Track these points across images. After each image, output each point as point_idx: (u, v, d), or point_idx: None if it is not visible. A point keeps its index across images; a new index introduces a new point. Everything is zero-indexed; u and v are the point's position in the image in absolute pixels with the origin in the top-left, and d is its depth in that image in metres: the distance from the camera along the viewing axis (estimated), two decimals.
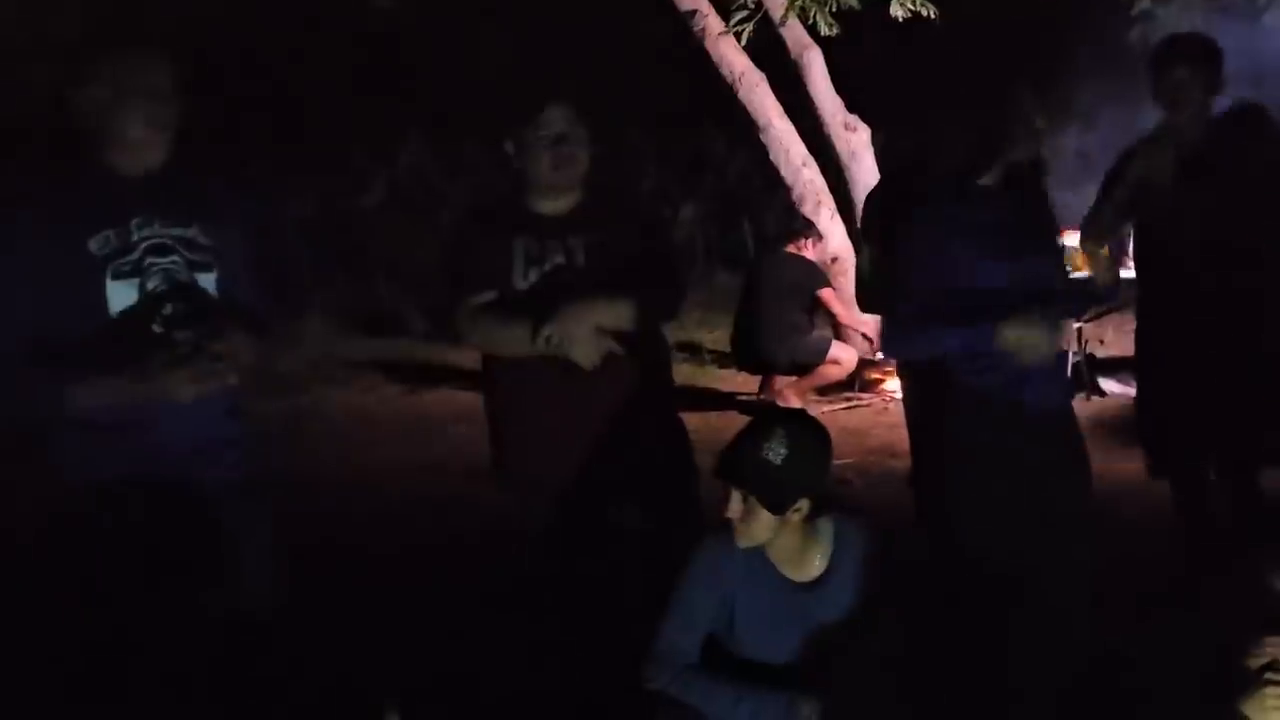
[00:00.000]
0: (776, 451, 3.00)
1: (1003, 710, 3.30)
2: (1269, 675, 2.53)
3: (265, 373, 3.10)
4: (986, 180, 3.42)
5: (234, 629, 2.99)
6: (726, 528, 3.10)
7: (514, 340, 3.40)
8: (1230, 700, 2.56)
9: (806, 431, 3.09)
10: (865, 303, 4.47)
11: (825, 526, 3.13)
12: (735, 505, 3.03)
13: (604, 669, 3.38)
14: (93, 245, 2.91)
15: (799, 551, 3.12)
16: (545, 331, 3.33)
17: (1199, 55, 4.19)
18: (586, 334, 3.35)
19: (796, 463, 3.01)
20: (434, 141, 15.17)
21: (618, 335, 3.41)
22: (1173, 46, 4.27)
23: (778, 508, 3.01)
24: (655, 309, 3.51)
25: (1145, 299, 4.38)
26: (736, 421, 8.13)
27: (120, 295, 2.93)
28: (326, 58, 13.96)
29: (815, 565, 3.13)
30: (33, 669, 3.64)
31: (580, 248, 3.43)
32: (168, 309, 2.94)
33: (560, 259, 3.43)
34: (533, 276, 3.42)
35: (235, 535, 3.04)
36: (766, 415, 3.21)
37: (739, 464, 3.03)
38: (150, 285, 2.95)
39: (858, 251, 8.30)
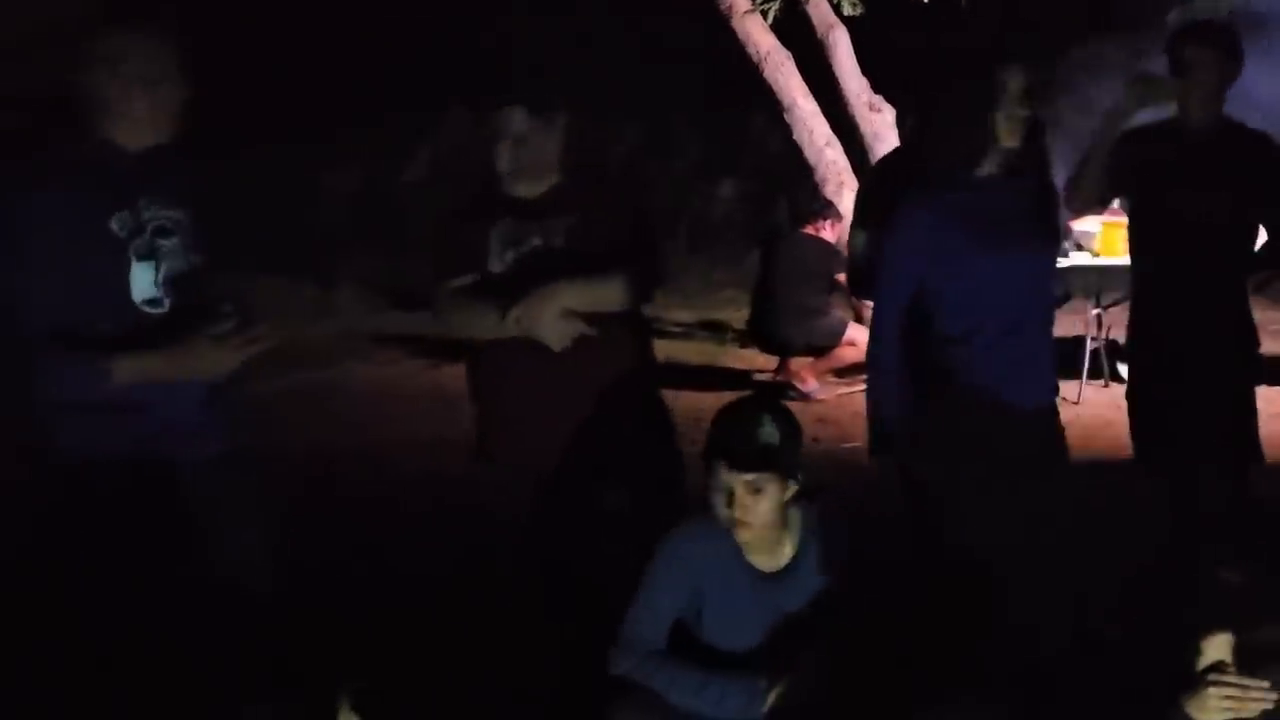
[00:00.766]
0: (772, 433, 3.04)
1: (971, 697, 3.30)
2: (1212, 676, 2.51)
3: (293, 344, 3.13)
4: (988, 169, 3.37)
5: (227, 599, 3.02)
6: (695, 517, 3.13)
7: (485, 323, 3.42)
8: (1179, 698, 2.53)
9: (783, 409, 3.15)
10: (857, 286, 4.46)
11: (794, 515, 3.14)
12: (743, 495, 3.02)
13: (584, 650, 3.36)
14: (114, 225, 2.94)
15: (771, 541, 3.13)
16: (513, 313, 3.34)
17: (1215, 40, 4.12)
18: (553, 315, 3.36)
19: (790, 438, 3.07)
20: (476, 116, 15.26)
21: (595, 317, 3.40)
22: (1190, 30, 4.23)
23: (794, 475, 3.06)
24: (630, 290, 3.49)
25: (1139, 287, 4.32)
26: None
27: (140, 276, 2.97)
28: (370, 30, 14.02)
29: (784, 554, 3.15)
30: (32, 642, 3.70)
31: (558, 230, 3.44)
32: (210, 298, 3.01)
33: (537, 241, 3.44)
34: (509, 259, 3.44)
35: (231, 507, 3.09)
36: (746, 404, 3.23)
37: (750, 454, 3.02)
38: (164, 267, 2.99)
39: None
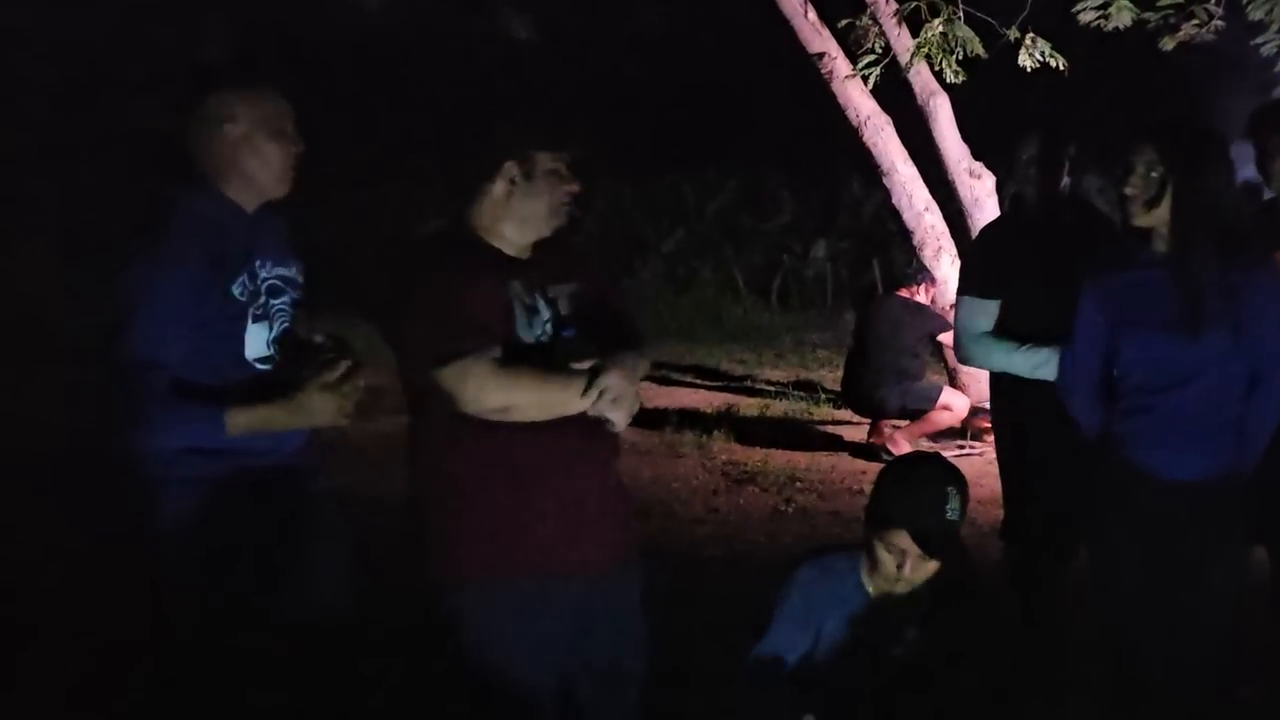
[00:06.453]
0: (955, 509, 3.18)
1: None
2: None
3: (373, 393, 3.20)
4: (1159, 246, 3.27)
5: (310, 629, 3.11)
6: (838, 556, 3.32)
7: (560, 399, 2.95)
8: None
9: (962, 480, 3.24)
10: (965, 354, 4.33)
11: None
12: (915, 563, 3.15)
13: None
14: (236, 290, 3.02)
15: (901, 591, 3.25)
16: (600, 383, 2.92)
17: None
18: (635, 391, 3.01)
19: (964, 513, 3.21)
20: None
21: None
22: (1263, 117, 4.23)
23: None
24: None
25: None
26: (844, 462, 7.97)
27: (256, 338, 3.05)
28: (452, 91, 14.27)
29: (907, 603, 3.26)
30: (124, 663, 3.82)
31: (561, 297, 3.07)
32: (320, 346, 3.07)
33: (550, 310, 3.04)
34: (537, 329, 3.00)
35: (318, 543, 3.18)
36: (931, 474, 3.26)
37: (930, 534, 3.14)
38: (276, 327, 3.08)
39: None
